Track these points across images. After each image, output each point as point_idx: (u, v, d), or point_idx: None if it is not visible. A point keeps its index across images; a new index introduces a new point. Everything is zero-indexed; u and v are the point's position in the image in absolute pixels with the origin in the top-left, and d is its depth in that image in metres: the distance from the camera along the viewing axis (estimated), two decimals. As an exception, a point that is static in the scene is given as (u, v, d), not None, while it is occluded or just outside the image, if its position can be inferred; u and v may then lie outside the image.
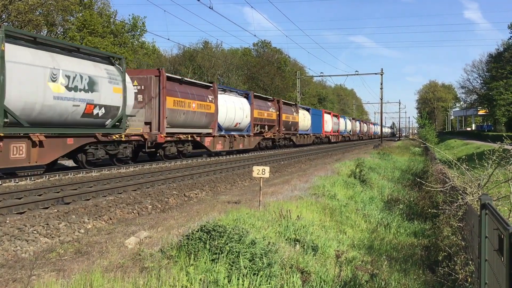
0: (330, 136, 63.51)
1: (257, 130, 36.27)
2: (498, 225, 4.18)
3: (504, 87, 73.01)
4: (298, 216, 9.03)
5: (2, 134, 13.75)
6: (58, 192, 12.40)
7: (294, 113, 45.62)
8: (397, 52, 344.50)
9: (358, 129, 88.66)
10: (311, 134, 52.60)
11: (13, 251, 7.26)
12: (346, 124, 75.65)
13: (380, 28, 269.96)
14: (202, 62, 66.62)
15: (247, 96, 35.00)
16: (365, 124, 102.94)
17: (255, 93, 37.97)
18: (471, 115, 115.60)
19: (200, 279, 5.35)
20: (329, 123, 61.93)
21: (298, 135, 47.14)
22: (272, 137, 39.78)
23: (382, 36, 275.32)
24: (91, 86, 17.40)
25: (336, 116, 69.10)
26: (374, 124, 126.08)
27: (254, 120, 34.88)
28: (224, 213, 9.00)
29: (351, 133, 79.64)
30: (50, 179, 15.23)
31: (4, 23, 34.24)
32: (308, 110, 53.12)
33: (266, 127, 38.46)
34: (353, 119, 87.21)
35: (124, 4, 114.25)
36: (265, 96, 42.67)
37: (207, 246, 5.99)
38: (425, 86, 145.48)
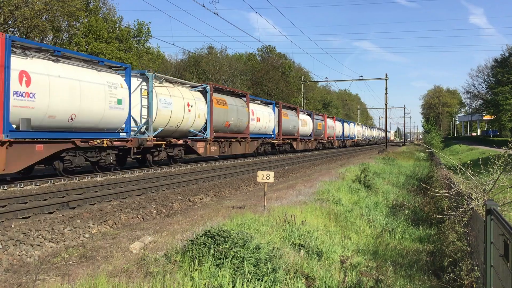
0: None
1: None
2: (503, 231, 4.16)
3: (510, 92, 72.84)
4: (302, 221, 9.02)
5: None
6: (63, 197, 12.44)
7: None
8: (402, 57, 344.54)
9: (294, 127, 43.85)
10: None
11: (18, 255, 7.28)
12: (252, 115, 33.95)
13: (385, 34, 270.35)
14: (206, 67, 66.89)
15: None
16: (317, 121, 53.53)
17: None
18: (476, 121, 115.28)
19: (205, 284, 5.35)
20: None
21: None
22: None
23: (387, 41, 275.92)
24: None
25: (217, 91, 29.17)
26: (347, 122, 75.15)
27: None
28: (229, 218, 9.00)
29: (272, 134, 38.15)
30: (55, 183, 15.28)
31: (10, 29, 34.51)
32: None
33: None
34: (277, 105, 40.26)
35: (129, 10, 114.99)
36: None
37: (212, 251, 5.99)
38: (430, 91, 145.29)
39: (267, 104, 39.33)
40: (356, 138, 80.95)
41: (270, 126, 37.74)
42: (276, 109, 40.30)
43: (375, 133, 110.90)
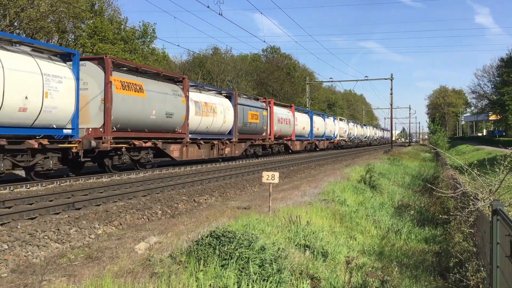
0: None
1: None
2: (510, 231, 4.14)
3: (516, 92, 72.55)
4: (307, 221, 9.01)
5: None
6: (69, 198, 12.48)
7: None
8: (407, 57, 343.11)
9: (170, 116, 22.01)
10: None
11: (24, 256, 7.31)
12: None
13: (390, 34, 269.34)
14: (211, 68, 67.00)
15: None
16: (249, 108, 31.72)
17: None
18: (482, 121, 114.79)
19: (210, 285, 5.36)
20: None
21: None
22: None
23: (392, 41, 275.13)
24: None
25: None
26: (320, 116, 55.06)
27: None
28: (234, 219, 9.00)
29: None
30: (61, 184, 15.34)
31: (16, 31, 34.69)
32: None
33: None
34: (96, 62, 18.15)
35: (134, 11, 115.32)
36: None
37: (217, 252, 5.99)
38: (436, 91, 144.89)
39: (52, 54, 16.40)
40: (337, 138, 60.80)
41: (63, 110, 15.89)
42: (100, 74, 18.00)
43: (369, 131, 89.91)
